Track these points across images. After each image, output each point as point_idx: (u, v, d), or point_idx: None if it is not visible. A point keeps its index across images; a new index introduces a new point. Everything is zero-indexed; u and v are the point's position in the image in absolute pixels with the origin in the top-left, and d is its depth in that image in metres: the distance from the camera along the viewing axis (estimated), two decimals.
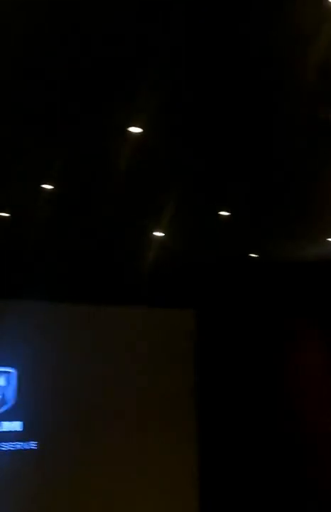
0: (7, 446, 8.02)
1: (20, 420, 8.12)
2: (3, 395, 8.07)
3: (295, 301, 9.01)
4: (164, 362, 9.03)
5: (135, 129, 4.69)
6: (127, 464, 8.54)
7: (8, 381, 8.12)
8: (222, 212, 6.59)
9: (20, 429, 8.10)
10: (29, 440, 8.12)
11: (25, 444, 8.10)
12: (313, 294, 8.81)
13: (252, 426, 8.96)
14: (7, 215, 6.48)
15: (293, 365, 8.91)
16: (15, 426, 8.08)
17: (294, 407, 8.71)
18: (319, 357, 8.65)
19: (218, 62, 3.92)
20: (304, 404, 8.63)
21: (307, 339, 8.85)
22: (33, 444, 8.12)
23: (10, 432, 8.06)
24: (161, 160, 5.36)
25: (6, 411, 8.05)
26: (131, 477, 8.54)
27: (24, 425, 8.12)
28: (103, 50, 3.77)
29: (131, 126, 4.64)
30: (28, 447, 8.10)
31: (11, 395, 8.10)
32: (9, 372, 8.15)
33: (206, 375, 9.20)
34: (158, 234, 7.23)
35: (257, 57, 3.86)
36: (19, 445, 8.08)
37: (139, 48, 3.74)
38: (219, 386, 9.13)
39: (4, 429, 8.01)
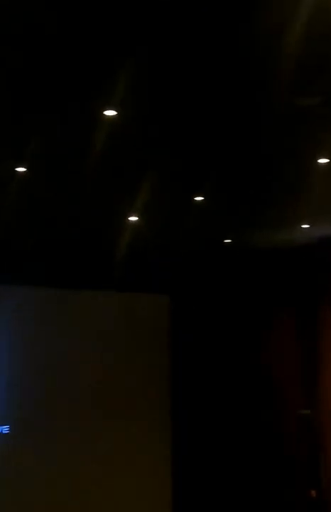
0: None
1: None
2: None
3: (269, 287, 9.06)
4: (138, 347, 9.05)
5: (109, 112, 4.66)
6: (100, 448, 8.57)
7: None
8: (197, 198, 6.59)
9: None
10: (1, 425, 8.11)
11: None
12: (288, 280, 8.86)
13: (227, 411, 9.03)
14: None
15: (268, 351, 8.98)
16: None
17: (268, 393, 8.79)
18: (294, 343, 8.72)
19: (196, 47, 3.90)
20: (278, 391, 8.71)
21: (282, 325, 8.91)
22: (5, 428, 8.11)
23: None
24: (136, 144, 5.33)
25: None
26: (104, 461, 8.57)
27: None
28: (77, 32, 3.72)
29: (105, 109, 4.60)
30: (0, 431, 8.09)
31: None
32: None
33: (180, 360, 9.23)
34: (133, 219, 7.20)
35: (239, 42, 3.84)
36: None
37: (114, 30, 3.70)
38: (193, 372, 9.18)
39: None
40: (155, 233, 7.87)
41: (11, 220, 7.17)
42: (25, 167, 5.63)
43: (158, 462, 8.92)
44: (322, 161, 5.57)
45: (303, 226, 7.53)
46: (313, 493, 7.89)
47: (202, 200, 6.63)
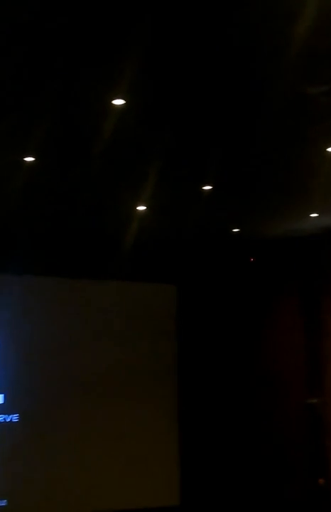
0: None
1: (2, 393, 8.17)
2: None
3: (275, 276, 9.05)
4: (145, 336, 9.07)
5: (118, 101, 4.65)
6: (109, 435, 8.62)
7: None
8: (205, 187, 6.58)
9: (2, 402, 8.15)
10: (11, 413, 8.17)
11: (7, 416, 8.15)
12: (293, 269, 8.85)
13: (232, 399, 9.07)
14: None
15: (272, 340, 8.99)
16: None
17: (271, 380, 8.82)
18: (297, 333, 8.72)
19: (203, 37, 3.88)
20: (281, 378, 8.74)
21: (287, 314, 8.91)
22: (15, 417, 8.17)
23: None
24: (144, 133, 5.32)
25: None
26: (112, 449, 8.63)
27: (6, 398, 8.17)
28: (85, 20, 3.71)
29: (114, 98, 4.59)
30: (10, 420, 8.15)
31: None
32: None
33: (186, 349, 9.26)
34: (141, 208, 7.20)
35: (244, 31, 3.82)
36: (1, 418, 8.14)
37: (121, 18, 3.69)
38: (199, 360, 9.20)
39: None
40: (162, 223, 7.86)
41: (19, 210, 7.18)
42: (33, 156, 5.63)
43: (166, 447, 8.96)
44: None
45: (311, 215, 7.51)
46: (321, 481, 7.93)
47: (209, 189, 6.62)
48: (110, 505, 8.40)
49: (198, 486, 8.86)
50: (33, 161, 5.70)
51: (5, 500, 7.93)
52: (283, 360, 8.80)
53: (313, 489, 8.04)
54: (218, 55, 4.11)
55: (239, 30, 3.84)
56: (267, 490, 8.58)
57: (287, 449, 8.51)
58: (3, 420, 8.13)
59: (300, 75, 4.37)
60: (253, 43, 3.97)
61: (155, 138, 5.43)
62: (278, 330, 8.98)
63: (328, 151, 5.61)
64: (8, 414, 8.16)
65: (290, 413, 8.56)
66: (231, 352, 9.22)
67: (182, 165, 6.09)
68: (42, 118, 4.94)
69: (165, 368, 9.13)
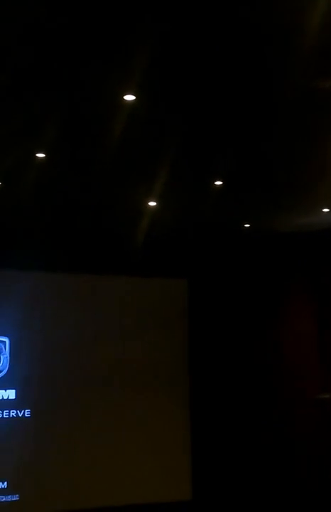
0: (1, 414, 8.12)
1: (14, 388, 8.20)
2: None
3: (287, 271, 9.03)
4: (156, 331, 9.07)
5: (129, 97, 4.63)
6: (121, 430, 8.64)
7: (1, 350, 8.17)
8: (216, 182, 6.56)
9: (14, 398, 8.18)
10: (23, 408, 8.20)
11: (18, 411, 8.19)
12: (305, 264, 8.82)
13: (243, 393, 9.06)
14: None
15: (284, 333, 8.97)
16: (9, 394, 8.17)
17: (285, 373, 8.81)
18: (309, 327, 8.71)
19: (215, 30, 3.85)
20: (295, 371, 8.73)
21: (300, 309, 8.90)
22: (27, 412, 8.20)
23: (4, 400, 8.14)
24: (155, 128, 5.30)
25: None
26: (124, 443, 8.65)
27: (17, 393, 8.20)
28: (97, 15, 3.69)
29: (124, 93, 4.58)
30: (21, 415, 8.18)
31: (4, 363, 8.16)
32: (3, 341, 8.19)
33: (198, 344, 9.25)
34: (152, 203, 7.19)
35: (255, 24, 3.79)
36: (13, 413, 8.17)
37: (135, 12, 3.67)
38: (210, 353, 9.19)
39: None
40: (173, 218, 7.85)
41: (32, 206, 7.18)
42: (44, 153, 5.63)
43: (177, 441, 8.97)
44: None
45: (324, 210, 7.47)
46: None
47: (220, 184, 6.59)
48: (121, 500, 8.42)
49: (210, 481, 8.87)
50: (44, 157, 5.70)
51: (17, 495, 7.98)
52: (296, 353, 8.78)
53: (326, 484, 8.03)
54: (229, 50, 4.08)
55: (251, 25, 3.81)
56: (279, 484, 8.58)
57: (299, 442, 8.50)
58: (15, 415, 8.17)
59: (312, 69, 4.33)
60: (265, 37, 3.93)
61: (166, 133, 5.41)
62: (289, 324, 8.96)
63: None
64: (20, 409, 8.19)
65: (302, 407, 8.55)
66: (243, 345, 9.21)
67: (193, 160, 6.07)
68: (52, 114, 4.93)
69: (177, 362, 9.13)
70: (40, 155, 5.66)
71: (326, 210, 7.46)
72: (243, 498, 8.71)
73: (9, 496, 7.95)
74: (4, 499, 7.93)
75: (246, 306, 9.29)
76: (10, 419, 8.14)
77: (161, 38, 3.91)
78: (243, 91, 4.65)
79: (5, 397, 8.15)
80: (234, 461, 8.92)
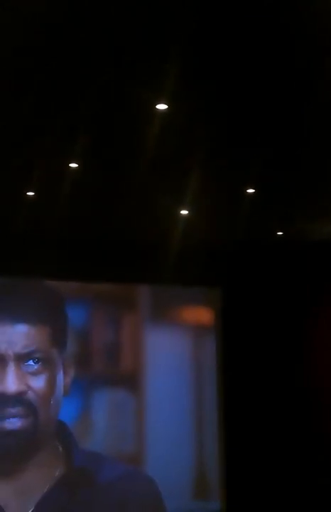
0: None
1: None
2: None
3: (322, 281, 8.94)
4: (190, 338, 9.04)
5: (161, 106, 4.64)
6: None
7: None
8: (249, 190, 6.53)
9: None
10: None
11: None
12: None
13: (278, 401, 8.96)
14: (32, 193, 6.48)
15: (318, 343, 8.88)
16: None
17: (323, 383, 8.72)
18: None
19: (250, 38, 3.83)
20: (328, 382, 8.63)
21: None
22: None
23: None
24: (187, 137, 5.30)
25: None
26: None
27: None
28: (128, 23, 3.71)
29: (157, 103, 4.58)
30: None
31: None
32: None
33: (231, 353, 9.19)
34: (184, 212, 7.18)
35: (293, 27, 3.75)
36: None
37: (165, 20, 3.67)
38: (243, 362, 9.13)
39: None
40: (205, 227, 7.84)
41: (65, 216, 7.22)
42: (77, 163, 5.66)
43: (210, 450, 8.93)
44: None
45: None
46: None
47: (253, 192, 6.56)
48: None
49: (243, 488, 8.77)
50: (77, 167, 5.73)
51: None
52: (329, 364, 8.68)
53: None
54: (265, 53, 4.05)
55: (286, 30, 3.78)
56: (313, 496, 8.47)
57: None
58: None
59: None
60: (300, 40, 3.90)
61: (199, 142, 5.41)
62: (324, 333, 8.86)
63: None
64: None
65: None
66: (277, 356, 9.13)
67: (226, 168, 6.06)
68: (85, 124, 4.97)
69: (209, 370, 9.08)
70: (73, 165, 5.70)
71: None
72: (274, 506, 8.61)
73: None
74: None
75: (281, 316, 9.21)
76: None
77: (196, 46, 3.91)
78: (279, 97, 4.62)
79: None
80: (267, 474, 8.83)
